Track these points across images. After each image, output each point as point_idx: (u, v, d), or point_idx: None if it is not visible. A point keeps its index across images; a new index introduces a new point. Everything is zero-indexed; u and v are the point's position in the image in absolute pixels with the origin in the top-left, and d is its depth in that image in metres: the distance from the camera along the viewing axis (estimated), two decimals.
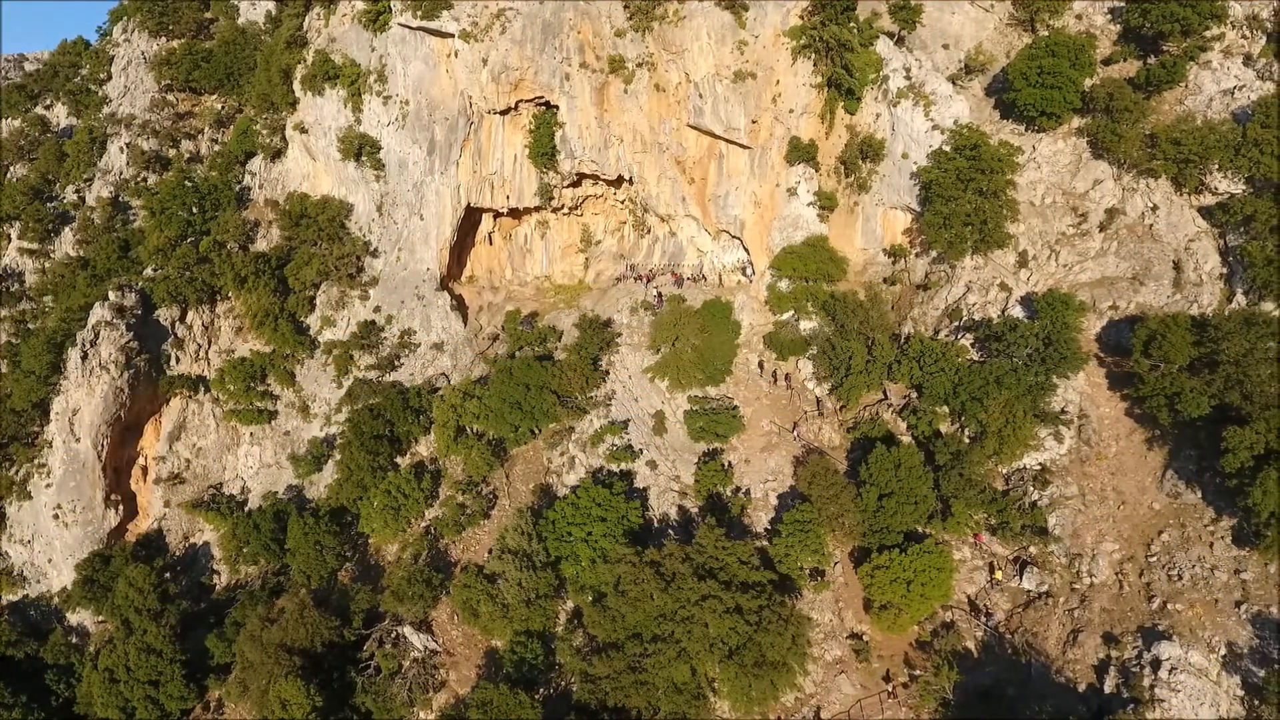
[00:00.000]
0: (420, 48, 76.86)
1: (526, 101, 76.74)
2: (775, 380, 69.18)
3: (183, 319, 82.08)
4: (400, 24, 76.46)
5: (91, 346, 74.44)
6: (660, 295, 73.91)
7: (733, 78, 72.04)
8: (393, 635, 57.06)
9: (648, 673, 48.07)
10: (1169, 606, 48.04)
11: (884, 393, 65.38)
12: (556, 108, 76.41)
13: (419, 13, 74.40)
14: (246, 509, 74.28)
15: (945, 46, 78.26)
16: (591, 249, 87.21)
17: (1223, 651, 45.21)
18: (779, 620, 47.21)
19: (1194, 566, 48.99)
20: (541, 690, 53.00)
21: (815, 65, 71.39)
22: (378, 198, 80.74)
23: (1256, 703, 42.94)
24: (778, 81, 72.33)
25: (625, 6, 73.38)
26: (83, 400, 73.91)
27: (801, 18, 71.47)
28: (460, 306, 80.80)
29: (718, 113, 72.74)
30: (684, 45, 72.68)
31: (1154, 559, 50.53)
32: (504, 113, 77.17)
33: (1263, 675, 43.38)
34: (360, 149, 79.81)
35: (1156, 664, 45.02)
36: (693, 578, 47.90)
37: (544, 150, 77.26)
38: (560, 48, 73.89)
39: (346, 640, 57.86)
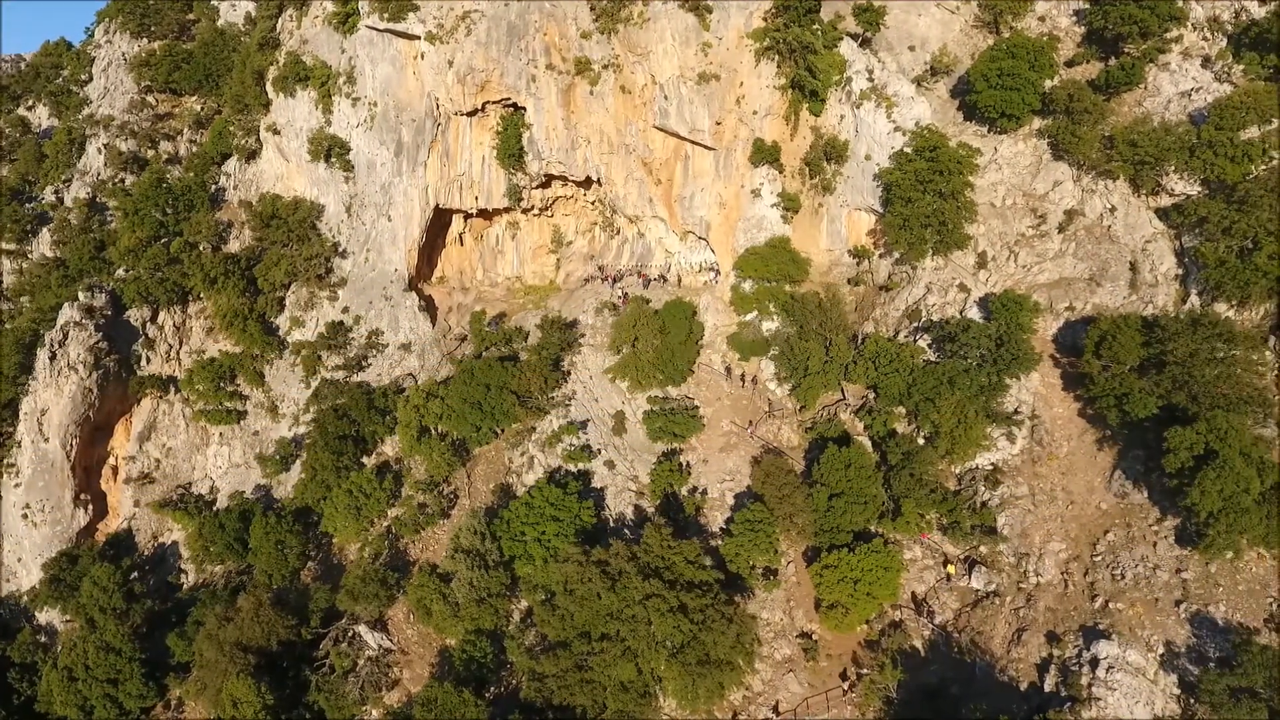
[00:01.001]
0: (388, 50, 77.24)
1: (493, 103, 77.10)
2: (740, 381, 69.46)
3: (154, 319, 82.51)
4: (368, 26, 76.86)
5: (60, 347, 74.87)
6: (625, 296, 74.22)
7: (697, 79, 72.35)
8: (349, 634, 57.43)
9: (593, 671, 48.45)
10: (1111, 606, 48.35)
11: (842, 393, 65.71)
12: (523, 109, 76.76)
13: (386, 15, 74.78)
14: (215, 509, 74.56)
15: (912, 48, 78.48)
16: (563, 250, 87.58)
17: (1161, 650, 45.52)
18: (723, 619, 47.53)
19: (1137, 566, 49.30)
20: (493, 689, 53.38)
21: (779, 67, 71.67)
22: (347, 199, 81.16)
23: (1192, 701, 43.24)
24: (741, 83, 72.61)
25: (591, 8, 73.68)
26: (51, 400, 74.34)
27: (765, 19, 71.77)
28: (429, 307, 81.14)
29: (682, 114, 73.04)
30: (649, 47, 72.99)
31: (1099, 558, 50.85)
32: (471, 114, 77.52)
33: (1198, 673, 43.64)
34: (329, 150, 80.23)
35: (1095, 663, 45.34)
36: (638, 577, 48.24)
37: (511, 152, 77.62)
38: (526, 49, 74.23)
39: (304, 639, 58.22)
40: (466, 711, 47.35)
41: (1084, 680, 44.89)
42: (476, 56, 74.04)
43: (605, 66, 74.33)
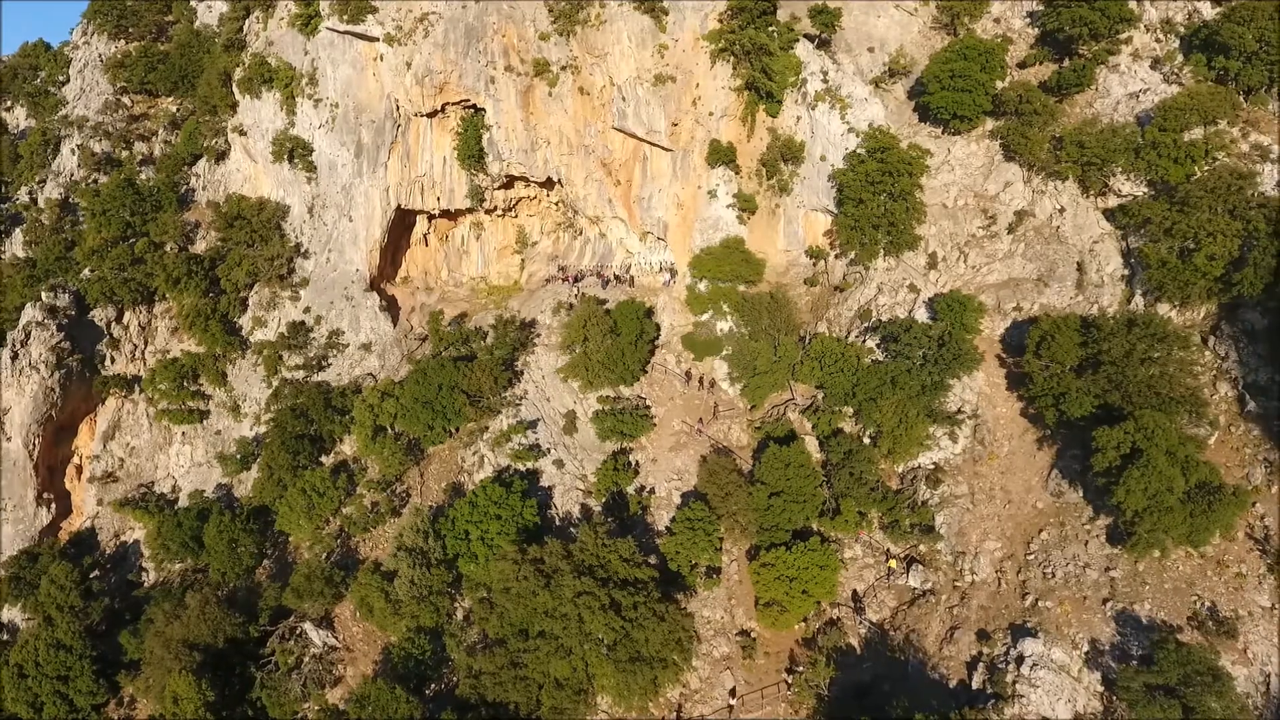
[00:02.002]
0: (349, 51, 77.71)
1: (453, 104, 77.56)
2: (696, 381, 69.79)
3: (119, 319, 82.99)
4: (328, 28, 77.33)
5: (22, 346, 75.42)
6: (580, 296, 74.64)
7: (653, 81, 72.81)
8: (296, 631, 57.87)
9: (527, 668, 48.87)
10: (1040, 604, 48.71)
11: (791, 392, 66.09)
12: (483, 111, 77.24)
13: (345, 17, 75.28)
14: (175, 508, 74.97)
15: (871, 49, 78.70)
16: (527, 250, 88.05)
17: (1086, 648, 45.89)
18: (654, 617, 47.90)
19: (1068, 564, 49.66)
20: (433, 686, 53.81)
21: (734, 69, 72.09)
22: (309, 199, 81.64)
23: (1113, 698, 43.58)
24: (697, 85, 73.07)
25: (549, 10, 74.18)
26: (13, 400, 74.84)
27: (720, 21, 72.21)
28: (392, 307, 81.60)
29: (640, 115, 73.50)
30: (606, 49, 73.49)
31: (1032, 557, 51.22)
32: (431, 115, 77.99)
33: (1131, 671, 43.94)
34: (292, 151, 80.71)
35: (1020, 660, 45.74)
36: (572, 575, 48.62)
37: (471, 153, 78.08)
38: (485, 51, 74.68)
39: (252, 636, 58.59)
40: (399, 708, 47.78)
41: (1009, 678, 45.30)
42: (434, 58, 74.51)
43: (563, 68, 74.80)
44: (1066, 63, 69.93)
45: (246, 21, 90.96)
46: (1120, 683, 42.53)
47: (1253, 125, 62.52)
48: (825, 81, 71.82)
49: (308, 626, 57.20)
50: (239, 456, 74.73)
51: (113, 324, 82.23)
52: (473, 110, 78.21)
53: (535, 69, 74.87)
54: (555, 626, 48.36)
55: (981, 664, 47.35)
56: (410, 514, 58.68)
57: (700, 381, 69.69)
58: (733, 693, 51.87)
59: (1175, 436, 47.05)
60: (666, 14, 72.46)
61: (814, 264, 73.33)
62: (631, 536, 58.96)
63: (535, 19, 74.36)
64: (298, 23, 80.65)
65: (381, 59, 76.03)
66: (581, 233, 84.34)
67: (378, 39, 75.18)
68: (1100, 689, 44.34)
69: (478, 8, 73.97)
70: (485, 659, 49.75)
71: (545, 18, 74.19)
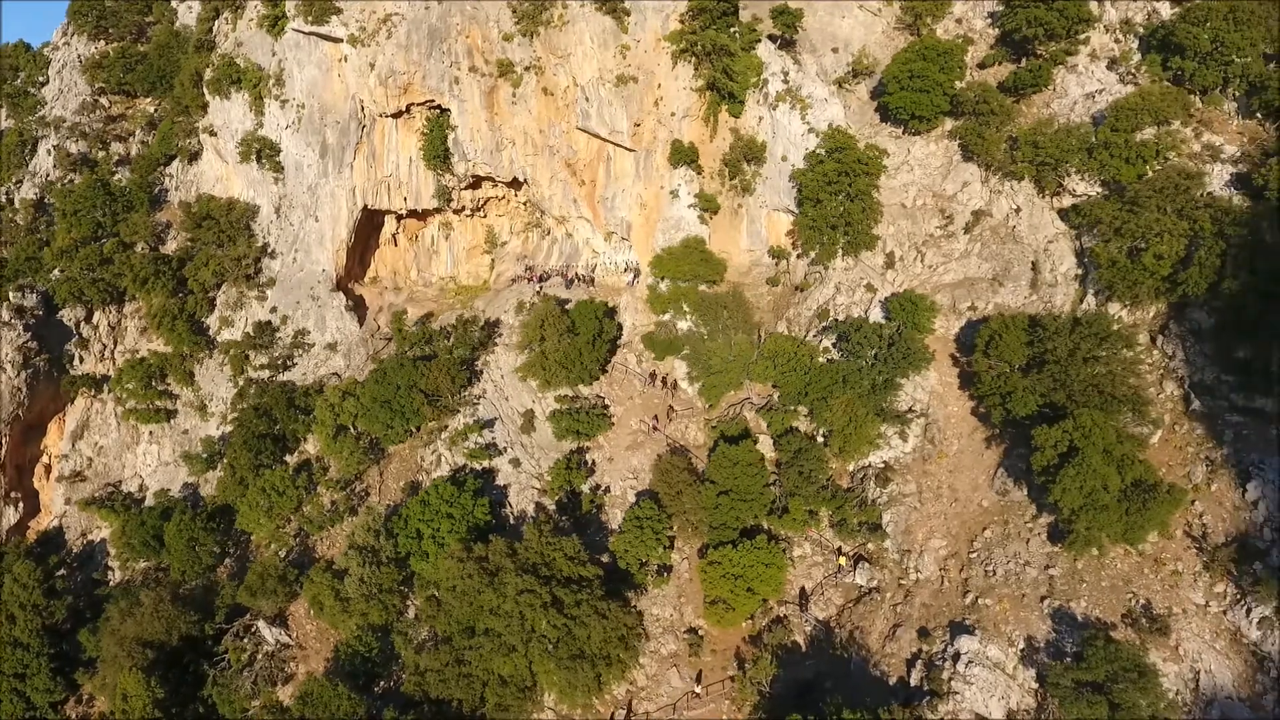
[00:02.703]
0: (314, 52, 78.04)
1: (418, 105, 77.88)
2: (660, 382, 70.04)
3: (89, 319, 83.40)
4: (294, 29, 77.64)
5: None
6: (543, 295, 74.94)
7: (615, 81, 73.11)
8: (251, 629, 58.22)
9: (471, 666, 49.20)
10: (980, 601, 48.99)
11: (748, 391, 66.39)
12: (448, 111, 77.54)
13: (310, 18, 75.61)
14: (141, 506, 75.34)
15: (835, 50, 78.97)
16: (497, 250, 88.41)
17: (1021, 645, 46.15)
18: (596, 614, 48.18)
19: (1009, 562, 49.95)
20: (382, 683, 54.12)
21: (695, 69, 72.38)
22: (276, 200, 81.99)
23: (1046, 695, 43.85)
24: (659, 85, 73.34)
25: (512, 11, 74.48)
26: None
27: (681, 22, 72.48)
28: (359, 307, 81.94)
29: (603, 116, 73.80)
30: (569, 49, 73.80)
31: (975, 555, 51.51)
32: (396, 116, 78.31)
33: (1060, 668, 44.21)
34: (259, 152, 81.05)
35: (957, 657, 46.02)
36: (515, 573, 48.93)
37: (437, 153, 78.40)
38: (448, 52, 74.99)
39: (207, 634, 58.94)
40: (341, 705, 48.10)
41: (945, 675, 45.58)
42: (398, 59, 74.83)
43: (527, 69, 75.12)
44: (1024, 63, 70.12)
45: (216, 22, 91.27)
46: (1050, 679, 42.82)
47: (1206, 125, 62.77)
48: (786, 82, 72.10)
49: (261, 624, 57.55)
50: (205, 456, 75.06)
51: (82, 324, 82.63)
52: (438, 111, 78.53)
53: (499, 70, 75.19)
54: (499, 624, 48.66)
55: (920, 661, 47.65)
56: (363, 513, 59.00)
57: (664, 382, 69.97)
58: (699, 678, 52.17)
59: (1113, 435, 47.30)
60: (628, 15, 72.73)
61: (776, 264, 73.63)
62: (587, 534, 59.79)
63: (499, 20, 74.68)
64: (265, 24, 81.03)
65: (346, 60, 76.38)
66: (549, 233, 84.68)
67: (342, 40, 75.53)
68: (1034, 686, 44.60)
69: (441, 9, 74.30)
70: (430, 656, 50.11)
71: (508, 18, 74.52)
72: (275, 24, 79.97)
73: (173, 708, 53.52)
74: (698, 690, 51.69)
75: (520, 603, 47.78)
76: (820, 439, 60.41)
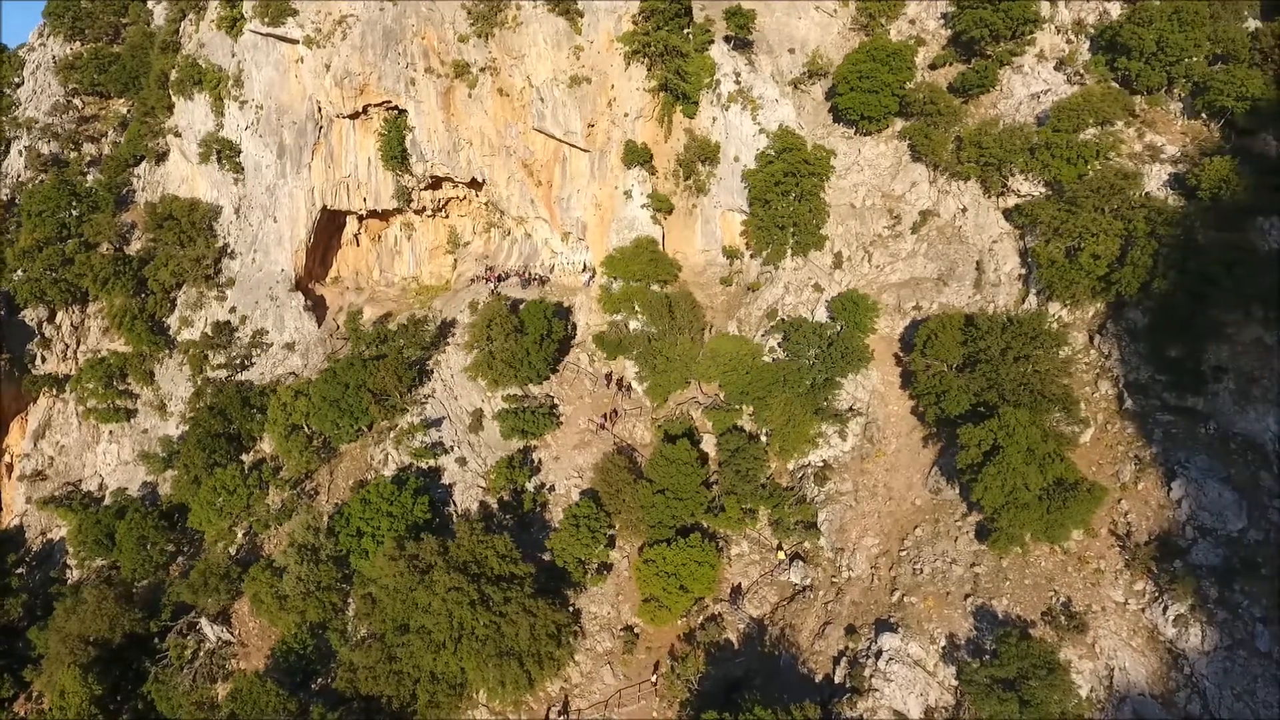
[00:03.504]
0: (271, 54, 78.47)
1: (375, 106, 78.26)
2: (616, 382, 70.31)
3: (51, 319, 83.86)
4: (252, 30, 78.04)
5: None
6: (496, 295, 75.29)
7: (569, 82, 73.47)
8: (195, 627, 58.62)
9: (401, 662, 49.54)
10: (906, 600, 49.27)
11: (699, 390, 66.72)
12: (405, 112, 77.91)
13: (266, 19, 76.02)
14: (102, 505, 75.79)
15: (791, 50, 79.18)
16: (460, 250, 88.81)
17: (943, 643, 46.42)
18: (524, 612, 48.50)
19: (936, 560, 50.23)
20: (320, 680, 54.45)
21: (649, 70, 72.68)
22: (236, 200, 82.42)
23: (964, 692, 44.14)
24: (612, 86, 73.69)
25: (467, 12, 74.86)
26: None
27: (634, 23, 72.79)
28: (319, 307, 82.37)
29: (557, 117, 74.17)
30: (523, 50, 74.22)
31: (905, 553, 51.79)
32: (353, 117, 78.70)
33: (975, 665, 44.52)
34: (219, 153, 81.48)
35: (879, 655, 46.32)
36: (445, 571, 49.28)
37: (394, 154, 78.79)
38: (404, 53, 75.39)
39: (151, 632, 59.34)
40: (269, 702, 48.47)
41: (867, 672, 45.87)
42: (353, 60, 75.22)
43: (483, 70, 75.55)
44: (972, 64, 70.34)
45: (182, 24, 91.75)
46: (964, 676, 43.12)
47: (1149, 126, 63.06)
48: (738, 83, 72.40)
49: (203, 621, 57.94)
50: (163, 455, 75.47)
51: (44, 324, 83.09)
52: (395, 112, 78.90)
53: (455, 71, 75.61)
54: (430, 621, 48.99)
55: (845, 659, 47.92)
56: (302, 511, 59.37)
57: (619, 383, 70.24)
58: (656, 667, 52.41)
59: (1037, 434, 47.51)
60: (581, 16, 73.14)
61: (730, 264, 73.92)
62: (531, 533, 60.24)
63: (454, 21, 75.08)
64: (224, 25, 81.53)
65: (302, 61, 76.79)
66: (509, 233, 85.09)
67: (298, 41, 75.93)
68: (954, 683, 44.88)
69: (395, 10, 74.70)
70: (361, 653, 50.49)
71: (463, 20, 74.93)
72: (234, 25, 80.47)
73: (111, 705, 53.88)
74: (654, 680, 51.90)
75: (448, 600, 48.10)
76: (763, 438, 60.72)
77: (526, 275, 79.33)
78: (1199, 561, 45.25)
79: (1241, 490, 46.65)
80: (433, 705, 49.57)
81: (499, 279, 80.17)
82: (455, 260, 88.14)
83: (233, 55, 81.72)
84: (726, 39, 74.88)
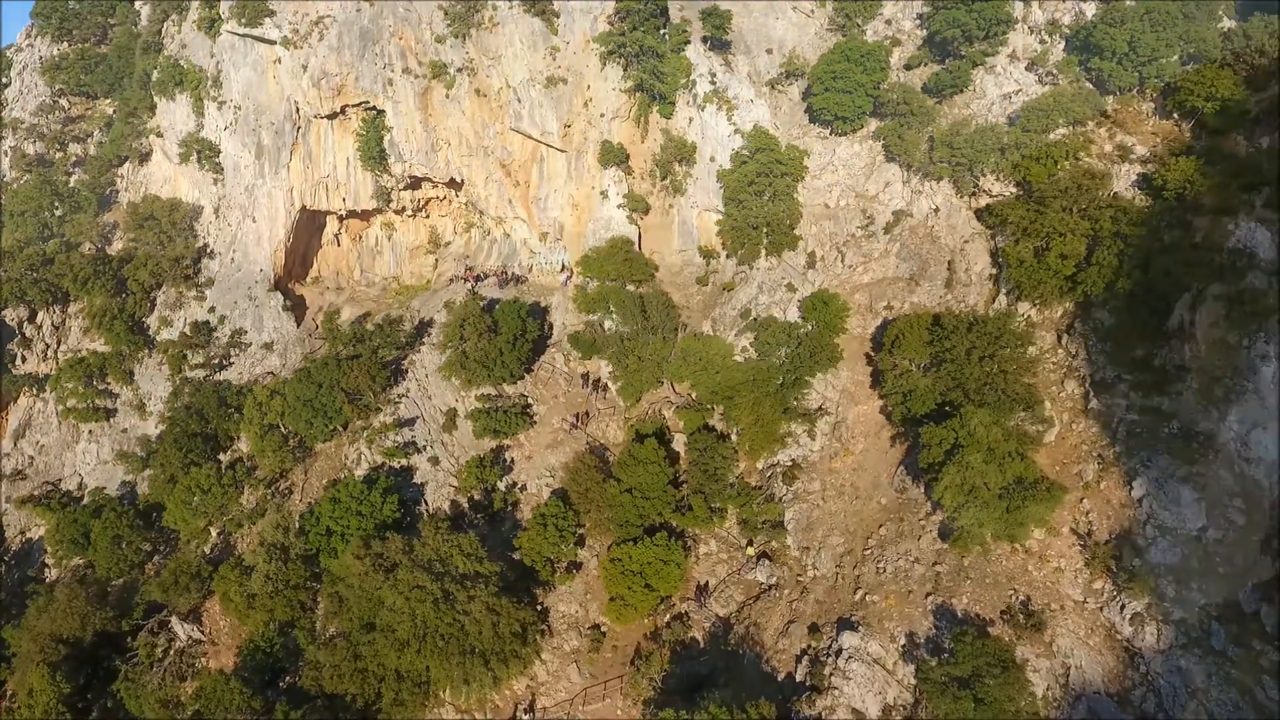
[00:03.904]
0: (249, 54, 78.67)
1: (353, 106, 78.44)
2: (592, 383, 70.49)
3: (32, 319, 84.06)
4: (229, 31, 78.27)
5: None
6: (472, 295, 75.44)
7: (545, 83, 73.67)
8: (166, 625, 58.84)
9: (366, 660, 49.74)
10: (868, 598, 49.44)
11: (672, 389, 66.91)
12: (383, 112, 78.09)
13: (243, 20, 76.22)
14: (80, 504, 75.96)
15: (769, 51, 79.31)
16: (441, 250, 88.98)
17: (903, 641, 46.58)
18: (487, 610, 48.68)
19: (899, 559, 50.39)
20: (288, 679, 54.62)
21: (624, 70, 72.86)
22: (216, 200, 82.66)
23: (921, 690, 44.28)
24: (589, 86, 73.86)
25: (444, 13, 75.06)
26: None
27: (610, 23, 72.97)
28: (299, 307, 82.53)
29: (534, 117, 74.35)
30: (500, 51, 74.43)
31: (869, 552, 51.96)
32: (331, 117, 78.87)
33: (933, 663, 44.67)
34: (199, 153, 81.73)
35: (839, 653, 46.47)
36: (410, 569, 49.47)
37: (373, 154, 78.96)
38: (381, 54, 75.59)
39: (123, 630, 59.53)
40: (233, 700, 48.67)
41: (827, 670, 46.05)
42: (330, 61, 75.42)
43: (460, 70, 75.73)
44: (946, 64, 70.48)
45: (165, 24, 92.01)
46: (921, 673, 43.28)
47: (1120, 126, 63.15)
48: (714, 83, 72.57)
49: (174, 620, 58.14)
50: (141, 455, 75.62)
51: (25, 324, 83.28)
52: (374, 112, 79.06)
53: (432, 71, 75.80)
54: (394, 620, 49.18)
55: (805, 657, 48.09)
56: (272, 510, 59.57)
57: (595, 383, 70.41)
58: (636, 655, 52.59)
59: (998, 433, 47.71)
60: (557, 16, 73.35)
61: (707, 264, 74.07)
62: (502, 532, 60.43)
63: (431, 21, 75.29)
64: (203, 26, 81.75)
65: (280, 62, 76.98)
66: (489, 233, 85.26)
67: (275, 42, 76.11)
68: (913, 682, 45.02)
69: (372, 10, 74.92)
70: (327, 652, 50.68)
71: (440, 20, 75.13)
72: (212, 26, 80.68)
73: (80, 704, 54.08)
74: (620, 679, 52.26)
75: (412, 598, 48.29)
76: (733, 437, 60.89)
77: (505, 275, 79.50)
78: (1158, 560, 45.41)
79: (1202, 489, 46.72)
80: (398, 704, 49.76)
81: (477, 279, 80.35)
82: (436, 260, 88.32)
83: (211, 56, 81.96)
84: (704, 39, 75.09)
